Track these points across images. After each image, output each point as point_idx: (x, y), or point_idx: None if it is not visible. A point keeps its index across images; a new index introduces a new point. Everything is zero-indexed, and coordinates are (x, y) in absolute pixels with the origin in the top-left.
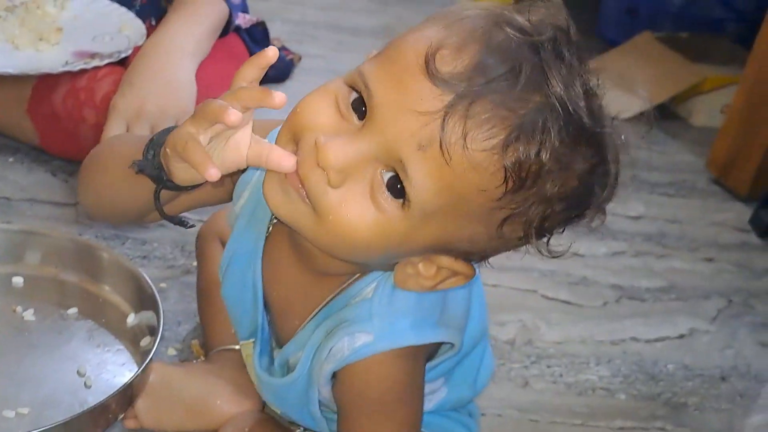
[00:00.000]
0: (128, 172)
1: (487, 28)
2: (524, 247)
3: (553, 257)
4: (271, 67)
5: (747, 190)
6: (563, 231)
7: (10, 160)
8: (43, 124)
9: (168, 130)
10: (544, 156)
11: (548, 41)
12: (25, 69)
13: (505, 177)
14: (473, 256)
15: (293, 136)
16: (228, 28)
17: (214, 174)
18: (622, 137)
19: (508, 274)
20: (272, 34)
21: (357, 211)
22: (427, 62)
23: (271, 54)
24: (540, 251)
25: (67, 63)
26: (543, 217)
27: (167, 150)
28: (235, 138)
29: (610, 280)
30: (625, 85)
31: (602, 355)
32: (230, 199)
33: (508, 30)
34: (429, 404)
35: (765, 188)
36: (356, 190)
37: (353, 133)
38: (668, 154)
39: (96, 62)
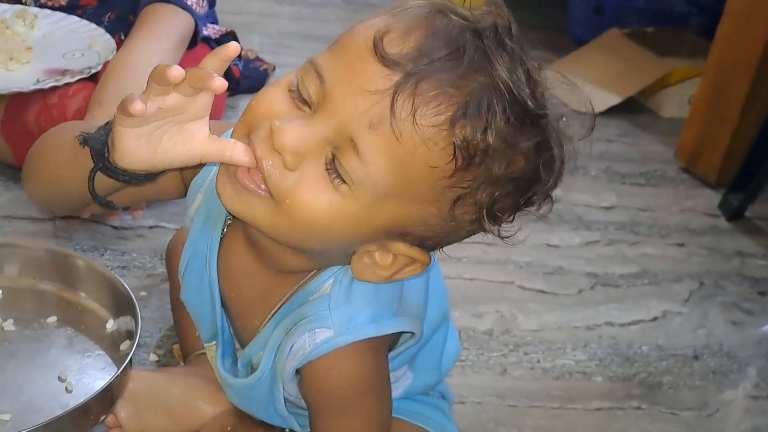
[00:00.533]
0: (74, 155)
1: (431, 15)
2: (474, 235)
3: (505, 242)
4: (245, 77)
5: (715, 177)
6: (513, 218)
7: None
8: (17, 143)
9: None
10: (491, 134)
11: (489, 29)
12: None
13: (454, 152)
14: (428, 241)
15: (248, 130)
16: (195, 40)
17: (175, 74)
18: (564, 121)
19: (485, 267)
20: (247, 47)
21: (313, 193)
22: (375, 45)
23: (232, 48)
24: (494, 234)
25: (38, 81)
26: (492, 199)
27: (115, 113)
28: (188, 127)
29: (585, 268)
30: (596, 81)
31: (578, 340)
32: (181, 195)
33: (452, 16)
34: (397, 391)
35: (732, 174)
36: (312, 172)
37: (308, 117)
38: (639, 146)
39: (67, 79)
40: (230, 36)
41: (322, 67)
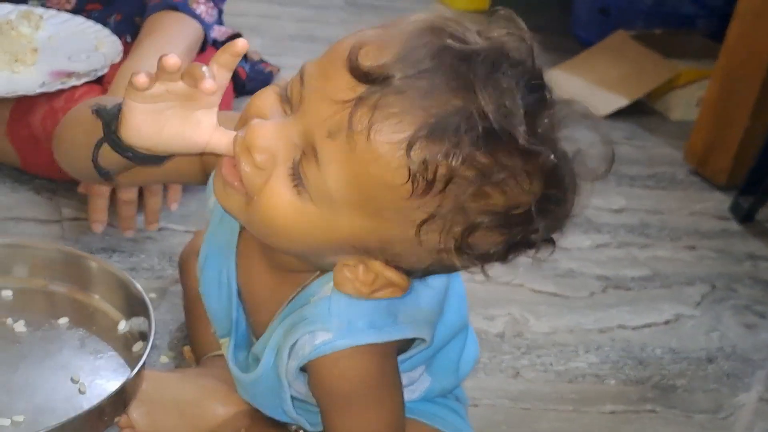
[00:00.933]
0: (91, 126)
1: (421, 32)
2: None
3: (485, 276)
4: (251, 79)
5: (724, 179)
6: (507, 256)
7: None
8: (23, 146)
9: None
10: (455, 160)
11: (486, 53)
12: (1, 92)
13: (410, 175)
14: (401, 264)
15: (242, 126)
16: (204, 45)
17: (170, 63)
18: (579, 159)
19: (496, 270)
20: (251, 49)
21: (276, 194)
22: (349, 55)
23: (240, 44)
24: (479, 270)
25: (44, 84)
26: (464, 230)
27: (128, 84)
28: (196, 115)
29: (596, 271)
30: (603, 83)
31: (590, 343)
32: (201, 182)
33: (444, 36)
34: (414, 394)
35: (742, 176)
36: (278, 173)
37: (281, 119)
38: (647, 149)
39: (73, 81)
40: (236, 37)
41: (305, 71)
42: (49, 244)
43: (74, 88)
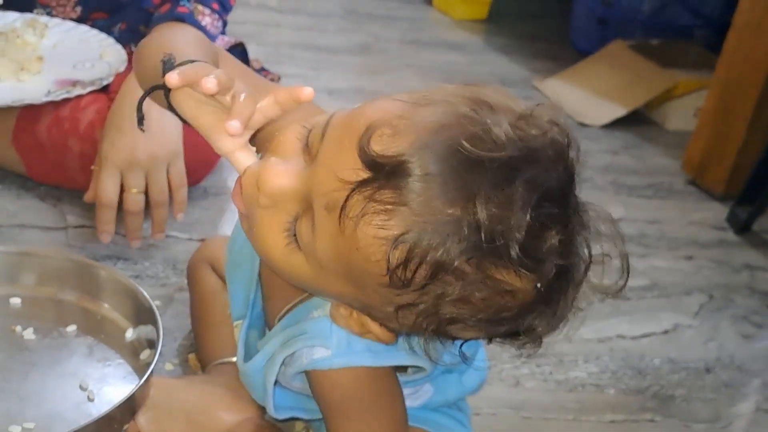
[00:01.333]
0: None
1: (440, 125)
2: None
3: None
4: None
5: (722, 190)
6: (489, 343)
7: None
8: (29, 155)
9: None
10: (436, 266)
11: (505, 158)
12: (7, 101)
13: (387, 270)
14: (387, 325)
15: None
16: None
17: (206, 87)
18: (581, 280)
19: None
20: (250, 56)
21: (272, 238)
22: (362, 137)
23: (305, 92)
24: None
25: (49, 92)
26: (443, 322)
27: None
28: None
29: (594, 280)
30: (600, 93)
31: (590, 352)
32: None
33: (461, 132)
34: (417, 401)
35: (739, 187)
36: (277, 219)
37: (298, 168)
38: (645, 158)
39: (78, 91)
40: (239, 47)
41: (329, 127)
42: (58, 253)
43: (80, 97)
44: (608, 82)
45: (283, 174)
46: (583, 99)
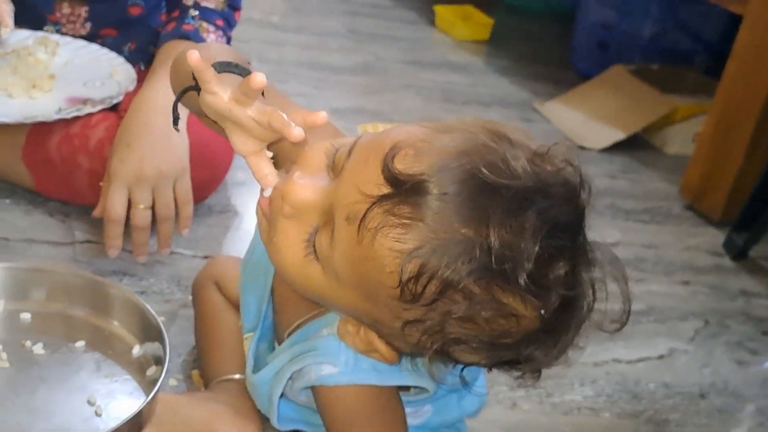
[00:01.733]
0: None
1: (460, 151)
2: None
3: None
4: None
5: (719, 215)
6: (490, 370)
7: (7, 201)
8: (39, 170)
9: (229, 65)
10: (446, 284)
11: (521, 188)
12: (19, 118)
13: (399, 283)
14: (394, 344)
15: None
16: None
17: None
18: (584, 316)
19: None
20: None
21: (291, 247)
22: (387, 154)
23: (321, 117)
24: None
25: (60, 110)
26: (448, 342)
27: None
28: None
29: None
30: (600, 116)
31: (586, 376)
32: None
33: (481, 160)
34: (416, 420)
35: (736, 213)
36: (298, 229)
37: (322, 182)
38: (643, 182)
39: (88, 109)
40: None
41: (356, 146)
42: (67, 269)
43: (90, 114)
44: (608, 106)
45: (308, 187)
46: (583, 122)
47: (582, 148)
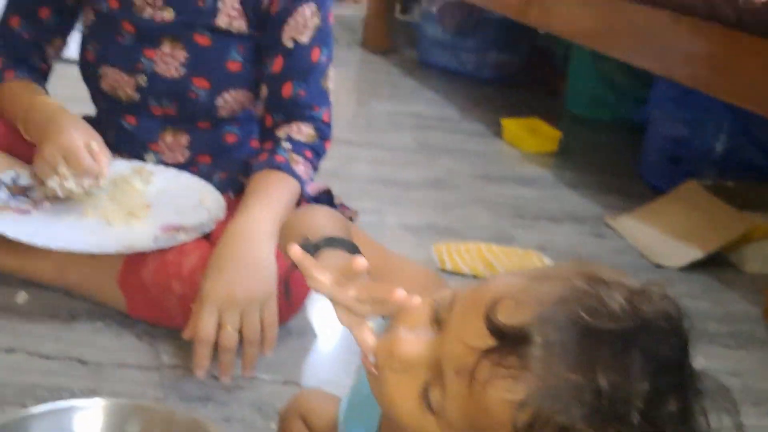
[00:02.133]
0: None
1: (558, 298)
2: None
3: None
4: None
5: None
6: None
7: (99, 324)
8: (133, 294)
9: (334, 241)
10: (558, 431)
11: (622, 330)
12: (119, 248)
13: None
14: None
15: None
16: (300, 201)
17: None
18: None
19: None
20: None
21: (403, 400)
22: (488, 306)
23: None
24: None
25: (156, 238)
26: None
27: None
28: None
29: None
30: (676, 234)
31: None
32: None
33: (579, 305)
34: None
35: None
36: (409, 383)
37: (427, 337)
38: (724, 303)
39: (182, 237)
40: (326, 194)
41: (456, 302)
42: (164, 407)
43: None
44: (684, 224)
45: (415, 342)
46: (658, 239)
47: (658, 266)
